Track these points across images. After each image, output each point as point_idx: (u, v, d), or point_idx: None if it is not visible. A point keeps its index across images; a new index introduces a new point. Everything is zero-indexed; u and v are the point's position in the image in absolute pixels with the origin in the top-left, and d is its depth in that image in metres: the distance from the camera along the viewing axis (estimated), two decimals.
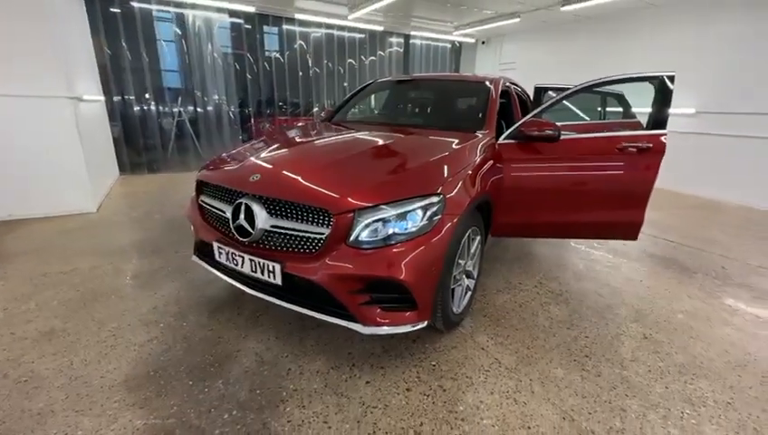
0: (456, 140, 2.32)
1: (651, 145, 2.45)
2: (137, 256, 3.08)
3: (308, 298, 1.77)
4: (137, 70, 6.23)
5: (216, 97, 6.91)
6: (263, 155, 2.21)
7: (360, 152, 2.12)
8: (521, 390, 1.76)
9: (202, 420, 1.53)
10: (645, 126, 2.60)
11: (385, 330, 1.70)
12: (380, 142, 2.36)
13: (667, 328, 2.32)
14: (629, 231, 2.67)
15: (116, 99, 6.14)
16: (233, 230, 1.84)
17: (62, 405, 1.58)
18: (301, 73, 7.60)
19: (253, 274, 1.83)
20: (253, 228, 1.75)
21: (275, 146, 2.38)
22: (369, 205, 1.66)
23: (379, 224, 1.66)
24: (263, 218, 1.75)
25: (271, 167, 2.00)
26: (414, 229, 1.68)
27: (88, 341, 2.00)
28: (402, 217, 1.68)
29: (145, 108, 6.50)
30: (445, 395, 1.71)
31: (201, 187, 2.16)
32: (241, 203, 1.79)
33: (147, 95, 6.48)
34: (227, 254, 1.89)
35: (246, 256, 1.80)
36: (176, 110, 6.90)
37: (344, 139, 2.59)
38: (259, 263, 1.78)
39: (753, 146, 5.34)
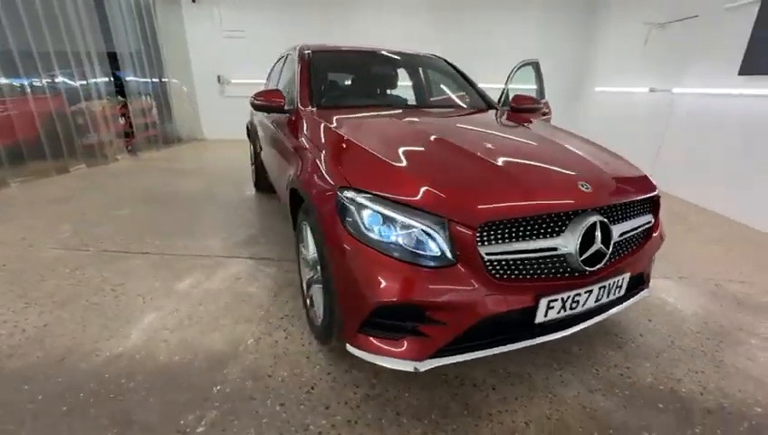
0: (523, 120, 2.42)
1: (548, 110, 3.52)
2: None
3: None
4: None
5: None
6: (504, 159, 1.57)
7: (542, 141, 1.97)
8: None
9: None
10: (536, 97, 3.62)
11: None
12: (515, 129, 2.24)
13: None
14: None
15: None
16: (579, 263, 1.36)
17: None
18: None
19: (597, 303, 1.47)
20: (608, 247, 1.42)
21: (465, 146, 1.68)
22: None
23: None
24: (616, 232, 1.47)
25: (567, 170, 1.55)
26: None
27: None
28: None
29: None
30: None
31: (487, 232, 1.28)
32: (594, 224, 1.36)
33: None
34: (565, 301, 1.36)
35: (596, 287, 1.43)
36: None
37: (485, 130, 2.20)
38: (609, 285, 1.46)
39: None
